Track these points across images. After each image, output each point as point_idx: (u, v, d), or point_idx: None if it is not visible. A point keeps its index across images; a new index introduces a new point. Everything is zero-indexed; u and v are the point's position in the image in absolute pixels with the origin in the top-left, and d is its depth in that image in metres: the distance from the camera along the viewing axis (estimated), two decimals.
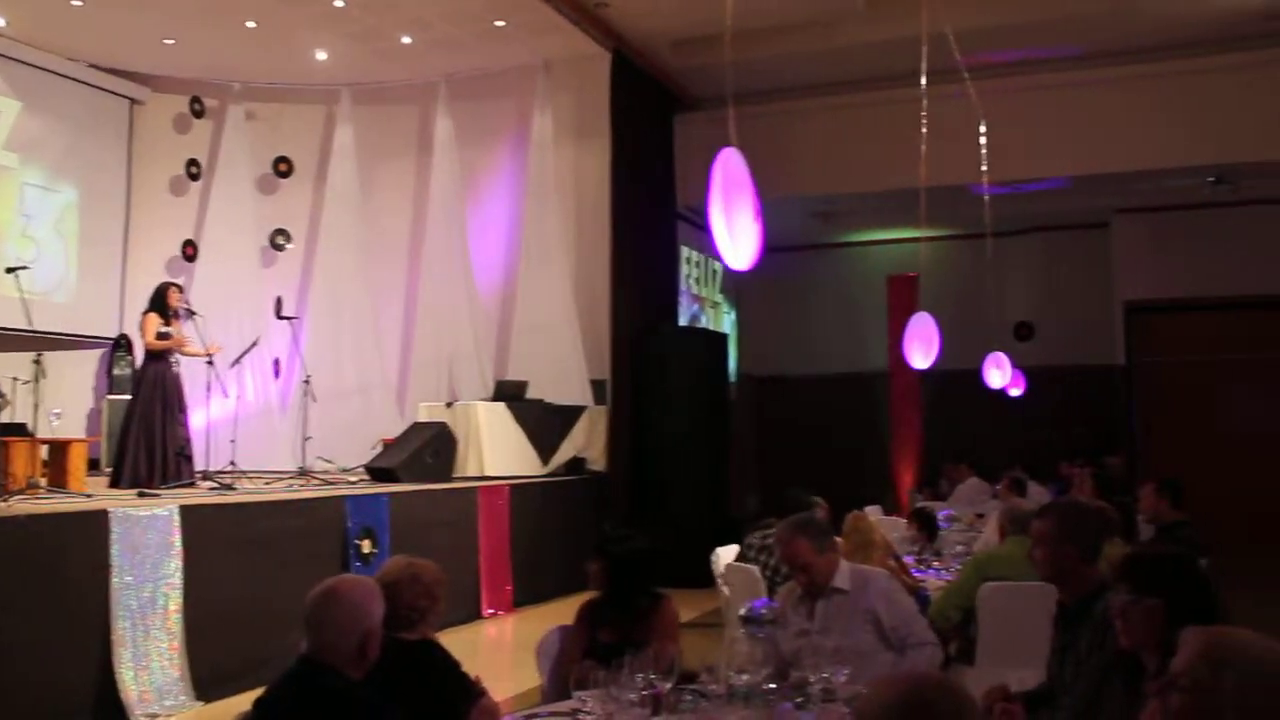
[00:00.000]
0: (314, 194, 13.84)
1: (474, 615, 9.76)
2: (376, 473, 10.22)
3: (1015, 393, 14.07)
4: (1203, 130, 12.64)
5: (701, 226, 15.46)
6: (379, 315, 13.39)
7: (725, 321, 16.37)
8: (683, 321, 14.36)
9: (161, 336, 9.26)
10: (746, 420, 17.14)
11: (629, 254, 12.47)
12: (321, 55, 12.78)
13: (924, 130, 8.57)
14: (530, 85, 12.96)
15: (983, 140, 10.70)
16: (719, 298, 16.21)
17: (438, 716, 3.44)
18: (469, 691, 3.51)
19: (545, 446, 11.51)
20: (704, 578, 7.60)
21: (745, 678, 3.29)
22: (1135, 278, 15.41)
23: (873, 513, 10.18)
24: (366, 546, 8.40)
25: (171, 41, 12.31)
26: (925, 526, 7.43)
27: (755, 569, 6.09)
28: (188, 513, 6.86)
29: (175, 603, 6.64)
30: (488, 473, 10.79)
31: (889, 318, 16.73)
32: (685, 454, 12.27)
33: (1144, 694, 2.48)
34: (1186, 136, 12.71)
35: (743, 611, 3.76)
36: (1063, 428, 15.52)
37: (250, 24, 11.83)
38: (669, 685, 3.16)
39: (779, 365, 17.84)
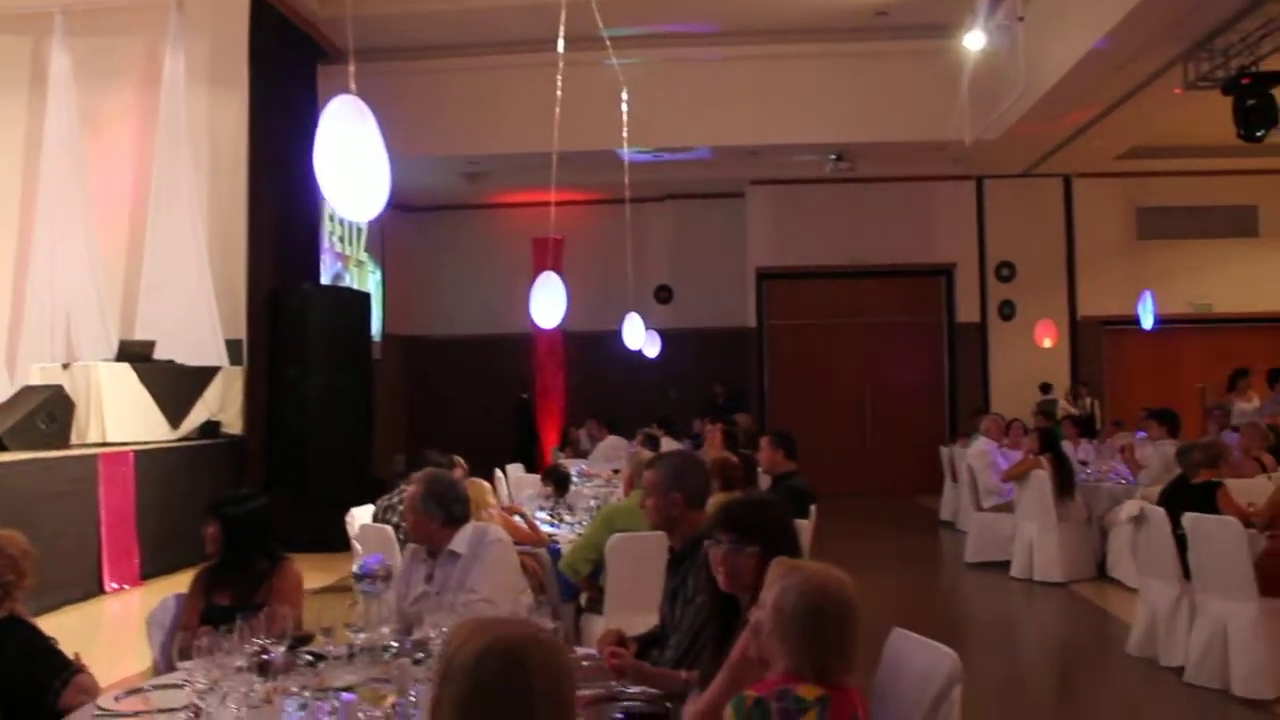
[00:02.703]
0: None
1: (95, 590, 9.13)
2: None
3: (652, 353, 14.66)
4: (826, 110, 13.63)
5: None
6: None
7: (370, 280, 16.02)
8: (325, 280, 13.92)
9: None
10: (393, 381, 16.92)
11: (267, 208, 11.92)
12: None
13: (559, 94, 8.68)
14: (161, 23, 12.03)
15: (624, 108, 10.99)
16: (364, 256, 15.84)
17: (26, 697, 3.19)
18: (62, 669, 3.27)
19: (175, 409, 10.89)
20: (344, 540, 7.45)
21: (364, 637, 3.25)
22: (765, 246, 16.42)
23: (515, 470, 10.38)
24: None
25: None
26: (558, 483, 7.61)
27: (389, 528, 6.03)
28: None
29: None
30: (110, 439, 10.08)
31: (535, 279, 16.97)
32: (326, 415, 11.95)
33: (737, 632, 2.68)
34: (812, 115, 13.65)
35: (355, 569, 3.71)
36: (700, 386, 16.36)
37: None
38: (282, 648, 3.07)
39: (427, 325, 17.74)
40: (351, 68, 4.47)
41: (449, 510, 4.06)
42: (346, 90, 4.13)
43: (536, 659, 1.76)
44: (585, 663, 3.35)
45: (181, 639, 3.02)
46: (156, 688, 3.18)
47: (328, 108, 4.17)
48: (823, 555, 10.14)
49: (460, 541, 4.04)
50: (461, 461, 6.98)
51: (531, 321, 17.07)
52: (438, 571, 4.04)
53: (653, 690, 3.05)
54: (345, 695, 2.78)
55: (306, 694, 2.76)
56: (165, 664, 3.79)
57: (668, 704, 2.95)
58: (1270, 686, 5.85)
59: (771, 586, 2.38)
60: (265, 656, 2.99)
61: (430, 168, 15.03)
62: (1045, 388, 15.63)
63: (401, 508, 6.19)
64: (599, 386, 16.53)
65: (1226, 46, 10.41)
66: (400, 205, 17.42)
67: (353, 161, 4.13)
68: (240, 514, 3.98)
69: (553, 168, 9.23)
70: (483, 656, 1.74)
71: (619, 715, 2.79)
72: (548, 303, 9.14)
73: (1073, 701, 6.66)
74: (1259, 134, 10.20)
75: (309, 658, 3.22)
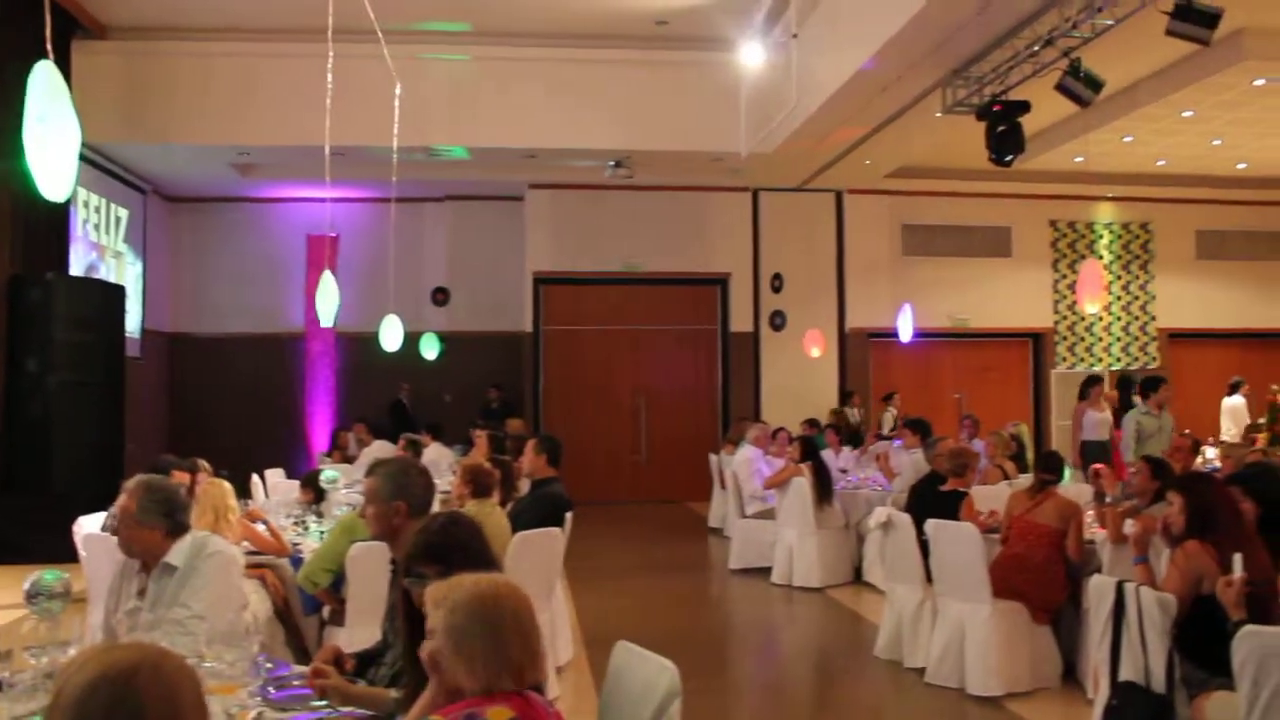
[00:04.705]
0: None
1: None
2: None
3: (430, 355, 14.39)
4: (605, 117, 13.67)
5: (103, 168, 14.18)
6: None
7: (130, 273, 15.12)
8: (77, 271, 13.05)
9: None
10: (154, 379, 16.06)
11: (7, 191, 11.05)
12: None
13: (329, 86, 8.38)
14: None
15: (397, 104, 10.71)
16: (123, 247, 14.93)
17: None
18: None
19: None
20: None
21: (45, 660, 2.97)
22: (543, 250, 16.33)
23: (274, 476, 9.97)
24: None
25: None
26: (315, 490, 7.31)
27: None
28: None
29: None
30: None
31: (308, 277, 16.46)
32: (72, 414, 11.19)
33: None
34: (591, 121, 13.66)
35: (26, 586, 3.40)
36: (477, 390, 16.15)
37: None
38: None
39: (193, 323, 16.89)
40: (49, 34, 4.12)
41: (174, 519, 3.79)
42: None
43: (149, 686, 1.62)
44: (297, 682, 3.17)
45: None
46: None
47: (32, 74, 3.84)
48: (589, 562, 10.12)
49: (177, 554, 3.76)
50: (205, 465, 6.64)
51: (304, 320, 16.66)
52: (151, 585, 3.75)
53: (361, 711, 2.89)
54: None
55: None
56: None
57: None
58: (1001, 684, 6.12)
59: (435, 609, 2.27)
60: None
61: (197, 156, 14.34)
62: (847, 396, 16.10)
63: None
64: (373, 389, 16.12)
65: (981, 75, 10.96)
66: (165, 195, 16.56)
67: (48, 134, 3.81)
68: None
69: (326, 162, 8.88)
70: (90, 687, 1.60)
71: None
72: (327, 301, 8.83)
73: (823, 704, 6.82)
74: (1008, 159, 10.78)
75: None
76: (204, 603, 3.65)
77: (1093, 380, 11.87)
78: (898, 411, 15.15)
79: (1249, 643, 3.51)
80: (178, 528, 3.84)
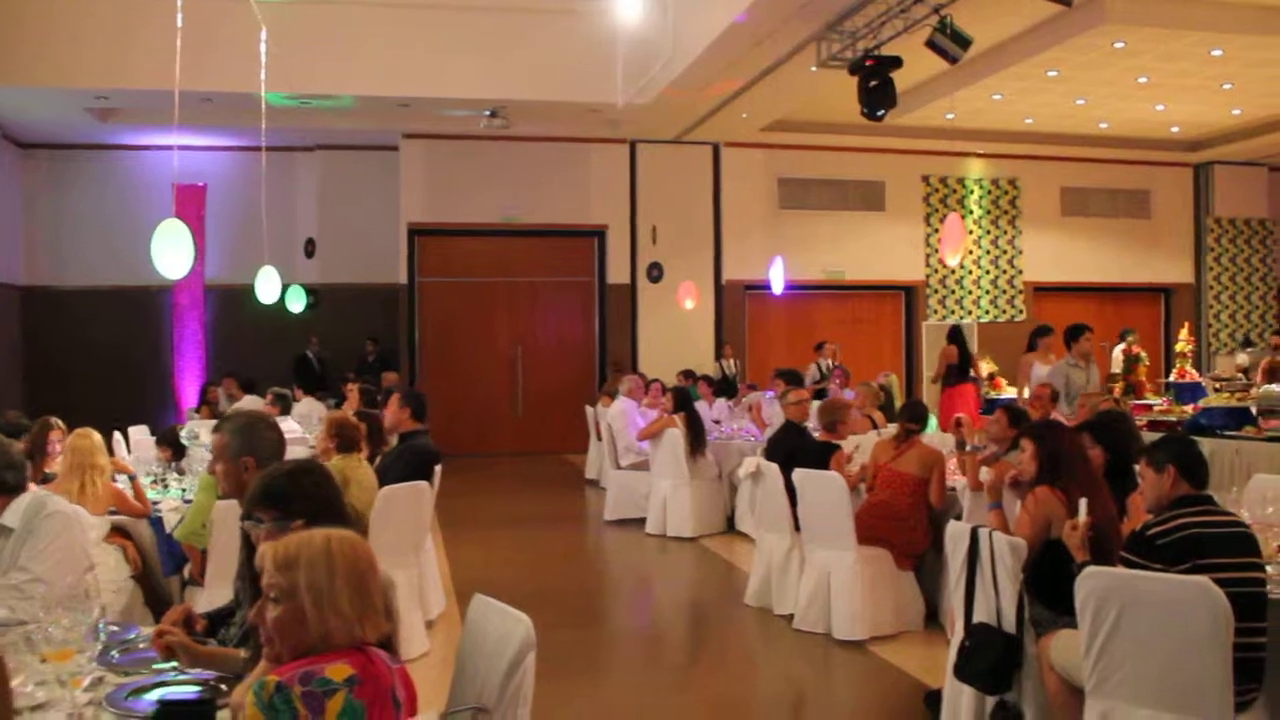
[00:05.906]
0: None
1: None
2: None
3: (296, 308, 14.07)
4: (480, 65, 13.44)
5: None
6: None
7: None
8: None
9: None
10: (4, 336, 15.41)
11: None
12: None
13: (179, 24, 8.04)
14: None
15: (263, 50, 10.34)
16: None
17: None
18: None
19: None
20: None
21: None
22: (418, 201, 16.05)
23: (138, 433, 9.66)
24: None
25: None
26: (173, 447, 7.10)
27: None
28: None
29: None
30: None
31: None
32: None
33: None
34: (466, 69, 13.42)
35: None
36: (351, 343, 15.89)
37: None
38: None
39: (51, 275, 16.24)
40: None
41: (1, 478, 3.62)
42: None
43: None
44: (143, 644, 3.08)
45: None
46: None
47: None
48: (464, 515, 10.05)
49: (12, 514, 3.61)
50: (59, 423, 6.38)
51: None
52: None
53: (207, 672, 2.82)
54: None
55: None
56: None
57: (223, 686, 2.73)
58: (865, 628, 6.28)
59: (285, 571, 2.20)
60: None
61: (50, 99, 13.68)
62: (720, 347, 16.22)
63: None
64: (245, 343, 15.72)
65: (854, 30, 11.06)
66: (17, 141, 15.82)
67: None
68: None
69: (174, 106, 8.55)
70: None
71: (149, 704, 2.56)
72: (172, 251, 8.39)
73: (693, 652, 6.90)
74: (879, 114, 10.92)
75: None
76: (44, 565, 3.51)
77: (1041, 331, 10.92)
78: (831, 360, 15.05)
79: (1090, 583, 3.64)
80: (7, 487, 3.68)
